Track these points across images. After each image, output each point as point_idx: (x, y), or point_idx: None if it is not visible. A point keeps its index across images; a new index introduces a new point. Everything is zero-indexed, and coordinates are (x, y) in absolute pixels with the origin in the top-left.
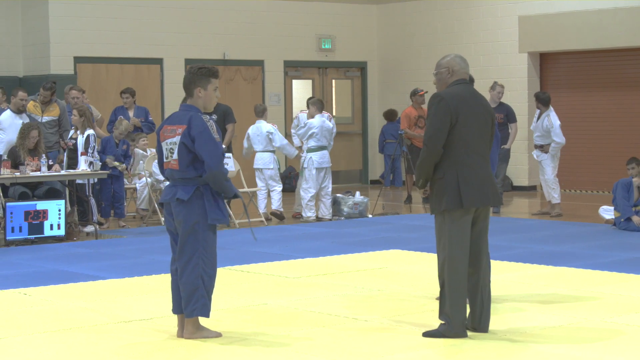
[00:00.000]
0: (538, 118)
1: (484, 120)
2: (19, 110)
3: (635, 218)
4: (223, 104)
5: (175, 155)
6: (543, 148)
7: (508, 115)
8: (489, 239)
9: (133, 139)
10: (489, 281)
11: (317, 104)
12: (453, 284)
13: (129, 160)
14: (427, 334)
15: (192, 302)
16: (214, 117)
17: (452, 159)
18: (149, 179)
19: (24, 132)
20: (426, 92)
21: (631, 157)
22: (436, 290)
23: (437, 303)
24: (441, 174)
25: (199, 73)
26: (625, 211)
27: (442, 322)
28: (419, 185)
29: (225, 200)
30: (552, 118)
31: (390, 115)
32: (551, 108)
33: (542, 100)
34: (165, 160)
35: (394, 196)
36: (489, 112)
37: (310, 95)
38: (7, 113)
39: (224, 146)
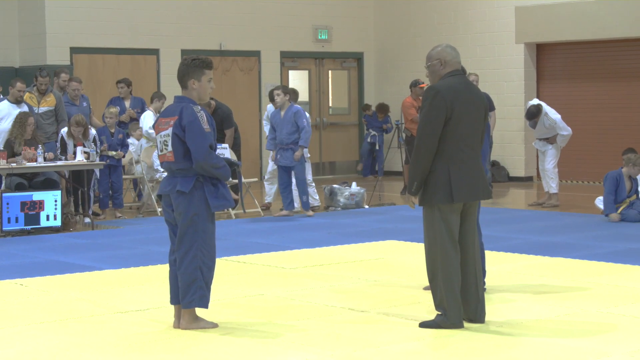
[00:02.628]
0: (536, 123)
1: (477, 113)
2: (17, 101)
3: (613, 216)
4: (224, 106)
5: (169, 147)
6: (549, 140)
7: (488, 103)
8: (485, 230)
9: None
10: (481, 272)
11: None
12: (447, 276)
13: (126, 149)
14: (423, 325)
15: (189, 294)
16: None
17: (444, 152)
18: (144, 170)
19: (22, 121)
20: (427, 84)
21: (627, 148)
22: None
23: (428, 293)
24: (432, 167)
25: (193, 64)
26: (607, 207)
27: (439, 313)
28: (413, 191)
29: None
30: (551, 115)
31: (385, 109)
32: (543, 107)
33: (532, 115)
34: (160, 153)
35: (390, 187)
36: (483, 104)
37: (307, 86)
38: (5, 103)
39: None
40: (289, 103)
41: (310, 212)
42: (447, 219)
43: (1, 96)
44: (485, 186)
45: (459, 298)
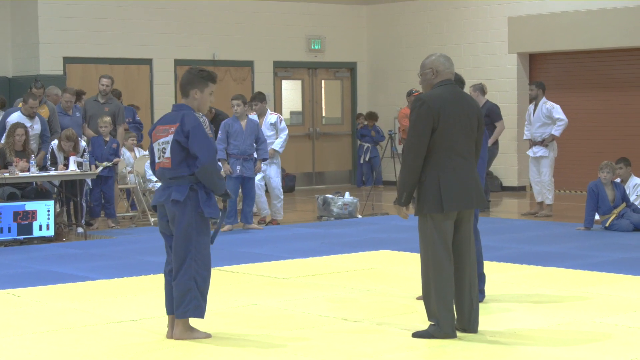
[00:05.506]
0: (534, 109)
1: (468, 121)
2: (29, 116)
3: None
4: (223, 114)
5: (167, 154)
6: (544, 142)
7: (490, 114)
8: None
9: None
10: (476, 281)
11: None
12: (439, 286)
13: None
14: (416, 335)
15: (184, 304)
16: (212, 127)
17: (434, 162)
18: (137, 179)
19: (10, 131)
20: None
21: (620, 157)
22: None
23: (422, 303)
24: (423, 177)
25: (199, 75)
26: (587, 220)
27: (432, 323)
28: (403, 201)
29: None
30: (552, 103)
31: (373, 117)
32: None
33: (541, 86)
34: (157, 160)
35: (383, 197)
36: (475, 113)
37: (300, 96)
38: (16, 115)
39: None
40: (247, 115)
41: (257, 226)
42: (440, 227)
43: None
44: (479, 194)
45: (451, 308)
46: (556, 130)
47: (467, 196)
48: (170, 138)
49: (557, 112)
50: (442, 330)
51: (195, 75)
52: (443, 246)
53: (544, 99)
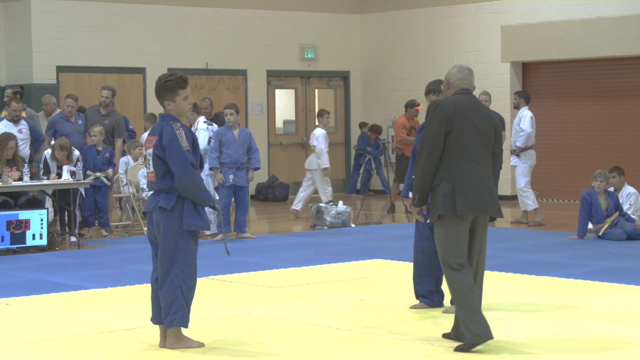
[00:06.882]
0: (519, 105)
1: (484, 129)
2: (13, 120)
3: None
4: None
5: (151, 167)
6: (515, 150)
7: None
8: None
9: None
10: (481, 293)
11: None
12: (458, 293)
13: (113, 167)
14: (458, 349)
15: (171, 313)
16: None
17: (449, 166)
18: (130, 189)
19: (2, 143)
20: (424, 107)
21: (614, 166)
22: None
23: (415, 312)
24: (437, 181)
25: (165, 87)
26: (580, 229)
27: (463, 339)
28: (416, 202)
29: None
30: (527, 112)
31: (377, 130)
32: (526, 107)
33: (524, 95)
34: (147, 171)
35: (377, 206)
36: (492, 122)
37: (294, 105)
38: (2, 124)
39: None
40: (239, 124)
41: (251, 235)
42: (454, 233)
43: None
44: (494, 202)
45: (477, 310)
46: (518, 141)
47: (482, 202)
48: (151, 151)
49: (524, 122)
50: (474, 334)
51: (162, 87)
52: (455, 252)
53: (524, 108)
